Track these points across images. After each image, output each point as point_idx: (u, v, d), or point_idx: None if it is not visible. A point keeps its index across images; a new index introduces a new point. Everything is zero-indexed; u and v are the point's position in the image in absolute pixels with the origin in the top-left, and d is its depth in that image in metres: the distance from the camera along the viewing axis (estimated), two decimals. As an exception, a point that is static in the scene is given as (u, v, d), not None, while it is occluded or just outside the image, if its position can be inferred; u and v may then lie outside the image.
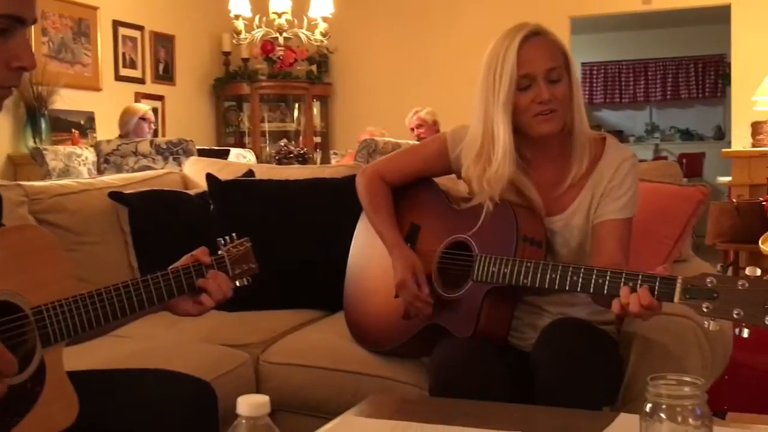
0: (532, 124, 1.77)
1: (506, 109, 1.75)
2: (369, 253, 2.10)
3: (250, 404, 0.92)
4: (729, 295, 1.38)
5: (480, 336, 1.74)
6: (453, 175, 1.98)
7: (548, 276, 1.61)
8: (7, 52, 1.24)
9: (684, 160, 9.58)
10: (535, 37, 1.76)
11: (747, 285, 1.37)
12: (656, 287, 1.47)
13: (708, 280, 1.40)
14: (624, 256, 1.75)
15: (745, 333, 1.37)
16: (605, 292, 1.53)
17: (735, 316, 1.37)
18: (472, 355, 1.71)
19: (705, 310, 1.40)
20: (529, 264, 1.65)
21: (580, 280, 1.56)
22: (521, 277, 1.65)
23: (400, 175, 2.02)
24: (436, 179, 2.03)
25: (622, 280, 1.50)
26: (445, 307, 1.82)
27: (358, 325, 2.09)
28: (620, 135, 11.02)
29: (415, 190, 2.02)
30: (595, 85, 11.24)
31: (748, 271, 1.39)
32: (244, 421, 0.92)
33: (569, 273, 1.58)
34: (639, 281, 1.48)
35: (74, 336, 1.32)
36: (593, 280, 1.54)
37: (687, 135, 11.04)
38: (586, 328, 1.73)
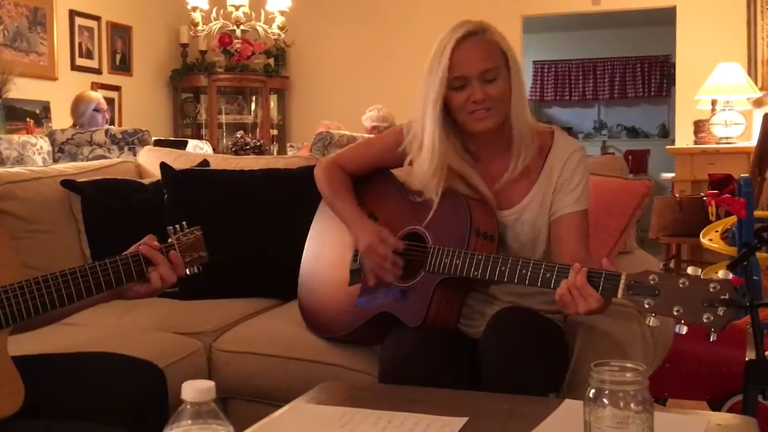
0: (467, 122, 1.79)
1: (435, 108, 1.77)
2: (324, 243, 2.12)
3: (194, 389, 0.89)
4: (670, 292, 1.43)
5: (430, 325, 1.76)
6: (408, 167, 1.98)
7: (498, 269, 1.64)
8: None
9: (630, 157, 9.78)
10: (471, 37, 1.76)
11: (687, 284, 1.42)
12: (601, 283, 1.51)
13: (651, 278, 1.45)
14: (586, 250, 1.77)
15: (684, 330, 1.42)
16: (551, 286, 1.57)
17: (675, 313, 1.42)
18: (421, 347, 1.73)
19: (647, 306, 1.45)
20: (480, 257, 1.68)
21: (529, 273, 1.60)
22: (472, 269, 1.68)
23: (357, 165, 2.03)
24: (395, 171, 2.04)
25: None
26: (396, 296, 1.84)
27: (311, 313, 2.11)
28: (569, 132, 11.12)
29: (373, 181, 2.04)
30: (545, 83, 11.38)
31: (689, 270, 1.44)
32: (188, 406, 0.89)
33: (518, 266, 1.62)
34: None
35: (19, 322, 1.29)
36: (541, 274, 1.59)
37: (633, 132, 11.24)
38: (532, 317, 1.76)
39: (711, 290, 1.41)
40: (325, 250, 2.11)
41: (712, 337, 1.42)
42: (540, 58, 11.17)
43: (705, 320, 1.40)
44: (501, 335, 1.70)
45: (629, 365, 1.11)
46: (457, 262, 1.71)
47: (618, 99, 11.16)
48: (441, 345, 1.75)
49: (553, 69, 11.33)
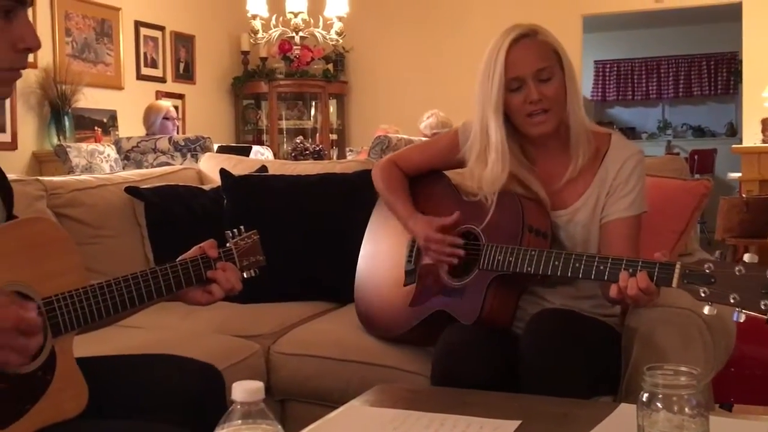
0: (525, 125, 1.81)
1: (497, 112, 1.79)
2: (380, 243, 2.15)
3: (244, 390, 0.90)
4: (726, 280, 1.41)
5: (484, 322, 1.78)
6: (462, 170, 1.99)
7: (551, 263, 1.64)
8: (12, 34, 1.25)
9: (696, 157, 9.59)
10: (524, 39, 1.78)
11: (744, 271, 1.39)
12: (655, 272, 1.50)
13: (706, 266, 1.43)
14: (633, 254, 1.73)
15: (742, 318, 1.40)
16: (605, 278, 1.57)
17: (731, 300, 1.39)
18: (473, 342, 1.74)
19: (702, 294, 1.43)
20: (533, 252, 1.68)
21: (582, 266, 1.60)
22: (525, 265, 1.68)
23: (413, 165, 2.07)
24: (448, 173, 2.07)
25: (623, 265, 1.54)
26: (451, 294, 1.86)
27: (368, 313, 2.13)
28: (633, 132, 11.03)
29: (427, 182, 2.07)
30: (607, 82, 11.23)
31: (746, 258, 1.41)
32: (239, 406, 0.90)
33: (572, 260, 1.62)
34: (639, 267, 1.52)
35: (84, 326, 1.32)
36: (595, 267, 1.58)
37: (699, 132, 11.01)
38: (568, 318, 1.75)
39: None
40: (381, 250, 2.14)
41: None
42: (601, 58, 11.03)
43: (763, 307, 1.37)
44: (536, 337, 1.70)
45: (683, 369, 1.10)
46: (511, 258, 1.71)
47: (683, 97, 10.95)
48: (493, 344, 1.75)
49: (615, 68, 11.17)
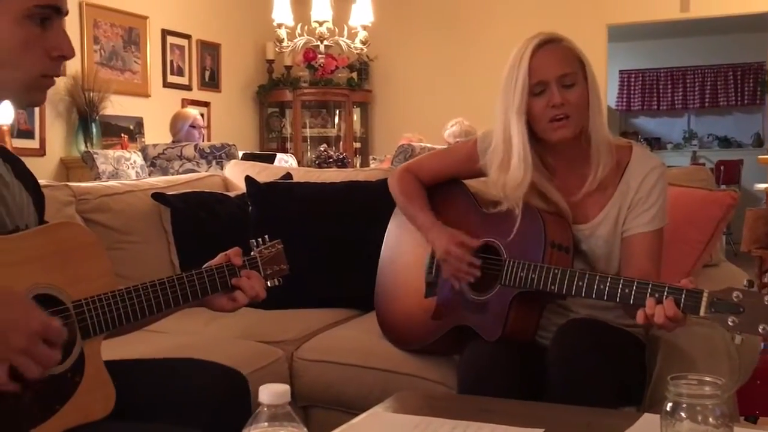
0: (546, 130, 1.79)
1: (520, 116, 1.77)
2: (399, 253, 2.14)
3: (271, 393, 0.92)
4: (754, 310, 1.39)
5: (507, 338, 1.76)
6: (483, 178, 1.97)
7: (575, 284, 1.63)
8: (48, 42, 1.27)
9: (722, 167, 9.52)
10: (548, 44, 1.78)
11: None
12: (682, 300, 1.48)
13: (734, 295, 1.42)
14: (655, 269, 1.75)
15: None
16: (631, 302, 1.55)
17: (760, 330, 1.38)
18: (499, 362, 1.73)
19: (730, 324, 1.41)
20: (556, 271, 1.66)
21: (607, 288, 1.58)
22: (548, 284, 1.67)
23: (429, 174, 2.04)
24: (467, 181, 2.05)
25: (649, 290, 1.52)
26: (473, 309, 1.84)
27: (389, 324, 2.13)
28: (658, 142, 10.97)
29: (446, 191, 2.04)
30: (632, 92, 11.18)
31: None
32: (265, 409, 0.92)
33: (596, 281, 1.60)
34: (665, 293, 1.50)
35: (112, 329, 1.35)
36: (620, 290, 1.56)
37: (725, 142, 10.93)
38: (596, 328, 1.74)
39: None
40: (401, 261, 2.13)
41: None
42: (626, 67, 10.98)
43: None
44: (564, 348, 1.69)
45: (708, 379, 1.09)
46: (533, 275, 1.70)
47: (709, 108, 10.87)
48: (518, 360, 1.75)
49: (640, 78, 11.12)
